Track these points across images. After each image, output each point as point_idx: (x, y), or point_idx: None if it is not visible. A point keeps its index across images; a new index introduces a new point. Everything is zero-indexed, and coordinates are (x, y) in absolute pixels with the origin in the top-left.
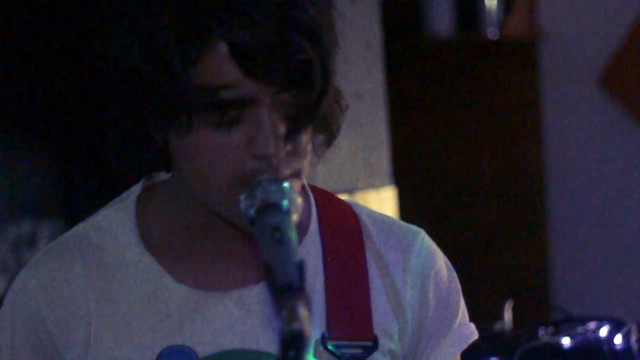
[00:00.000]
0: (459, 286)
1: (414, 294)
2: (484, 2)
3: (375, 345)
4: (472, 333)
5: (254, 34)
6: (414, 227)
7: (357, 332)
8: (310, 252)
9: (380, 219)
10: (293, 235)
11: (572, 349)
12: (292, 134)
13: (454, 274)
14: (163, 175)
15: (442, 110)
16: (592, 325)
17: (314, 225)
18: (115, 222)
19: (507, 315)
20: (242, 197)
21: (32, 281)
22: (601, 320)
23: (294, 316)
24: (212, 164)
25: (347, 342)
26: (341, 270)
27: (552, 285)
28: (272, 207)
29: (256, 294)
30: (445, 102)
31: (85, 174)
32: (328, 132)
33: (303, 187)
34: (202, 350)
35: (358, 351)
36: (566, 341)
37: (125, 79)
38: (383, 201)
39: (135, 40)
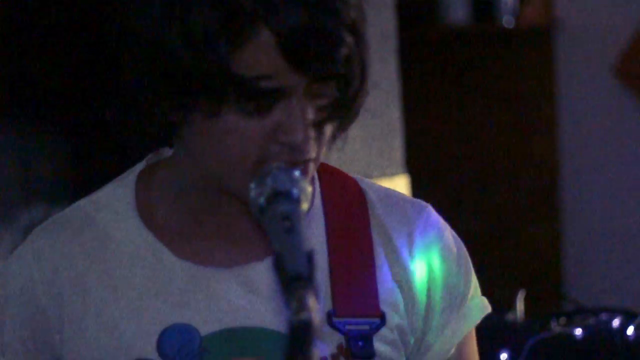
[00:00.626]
0: (470, 261)
1: (422, 268)
2: None
3: (382, 321)
4: (484, 307)
5: (300, 25)
6: (420, 202)
7: (364, 308)
8: (313, 228)
9: (386, 193)
10: (302, 224)
11: (584, 340)
12: (321, 124)
13: (463, 249)
14: (167, 153)
15: (457, 100)
16: (604, 316)
17: (317, 201)
18: (113, 197)
19: (519, 305)
20: (252, 185)
21: (28, 255)
22: (613, 312)
23: (302, 306)
24: (237, 148)
25: (353, 319)
26: (345, 246)
27: (565, 276)
28: (282, 196)
29: (260, 271)
30: (460, 91)
31: (98, 158)
32: (348, 123)
33: None
34: (205, 328)
35: (365, 327)
36: (578, 332)
37: (154, 56)
38: (397, 189)
39: (172, 18)
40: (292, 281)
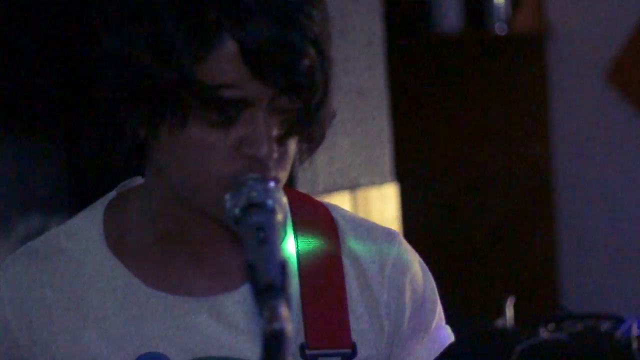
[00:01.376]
0: (435, 289)
1: (391, 298)
2: None
3: (354, 352)
4: (447, 336)
5: (263, 35)
6: (390, 230)
7: (335, 339)
8: None
9: (357, 221)
10: (277, 234)
11: (572, 346)
12: (284, 138)
13: (430, 277)
14: (139, 181)
15: (449, 106)
16: (592, 322)
17: (289, 231)
18: (82, 227)
19: (509, 311)
20: (228, 196)
21: (2, 288)
22: (601, 317)
23: (275, 315)
24: (203, 161)
25: (325, 351)
26: (317, 276)
27: (559, 282)
28: (256, 207)
29: (233, 302)
30: (452, 97)
31: (95, 170)
32: (314, 140)
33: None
34: (177, 357)
35: (337, 359)
36: (566, 338)
37: (121, 70)
38: (385, 198)
39: (140, 33)
40: (265, 291)
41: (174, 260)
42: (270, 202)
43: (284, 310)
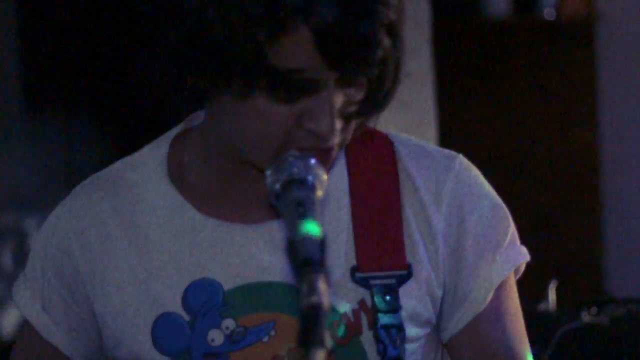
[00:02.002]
0: (505, 209)
1: (449, 220)
2: None
3: (409, 274)
4: (520, 255)
5: (338, 24)
6: (451, 152)
7: (389, 261)
8: (336, 182)
9: (416, 145)
10: (316, 210)
11: (613, 330)
12: (348, 118)
13: (496, 197)
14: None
15: (496, 91)
16: (634, 307)
17: (341, 159)
18: (147, 158)
19: (552, 295)
20: (269, 172)
21: (65, 212)
22: None
23: (313, 289)
24: (262, 131)
25: (378, 273)
26: (371, 199)
27: (603, 266)
28: (297, 183)
29: (282, 228)
30: (499, 83)
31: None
32: (375, 115)
33: None
34: (228, 283)
35: (391, 281)
36: (607, 322)
37: (194, 43)
38: None
39: (216, 4)
40: (304, 266)
41: (227, 192)
42: (310, 178)
43: (322, 285)
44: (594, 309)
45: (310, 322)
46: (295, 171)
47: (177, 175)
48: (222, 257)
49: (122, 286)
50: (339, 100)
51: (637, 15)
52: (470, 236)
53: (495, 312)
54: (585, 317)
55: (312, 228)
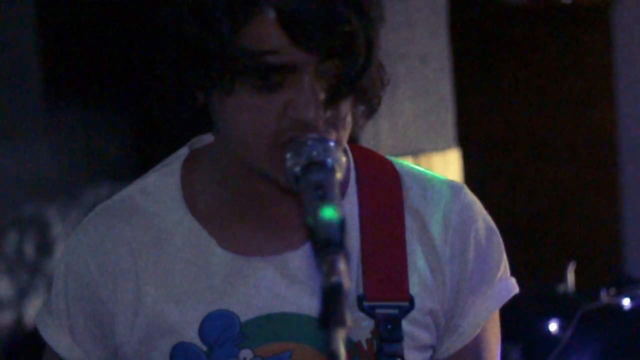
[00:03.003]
0: (501, 242)
1: (454, 251)
2: None
3: (411, 305)
4: (512, 288)
5: (302, 2)
6: (455, 183)
7: (393, 292)
8: (348, 212)
9: (421, 175)
10: (336, 192)
11: (633, 310)
12: (331, 102)
13: (495, 230)
14: (209, 139)
15: (513, 75)
16: None
17: (352, 186)
18: (161, 186)
19: (570, 276)
20: (289, 155)
21: (83, 244)
22: None
23: (333, 270)
24: (252, 125)
25: (382, 303)
26: (378, 230)
27: (623, 248)
28: (316, 165)
29: (296, 259)
30: (517, 66)
31: (160, 138)
32: (369, 104)
33: (344, 150)
34: (244, 314)
35: (394, 311)
36: (627, 302)
37: (174, 40)
38: (448, 163)
39: (185, 3)
40: (324, 246)
41: (243, 219)
42: (330, 160)
43: (342, 265)
44: (612, 290)
45: (331, 301)
46: (315, 154)
47: (193, 203)
48: (238, 289)
49: (140, 315)
50: (320, 88)
51: None
52: (470, 267)
53: (479, 343)
54: (604, 297)
55: (331, 211)
